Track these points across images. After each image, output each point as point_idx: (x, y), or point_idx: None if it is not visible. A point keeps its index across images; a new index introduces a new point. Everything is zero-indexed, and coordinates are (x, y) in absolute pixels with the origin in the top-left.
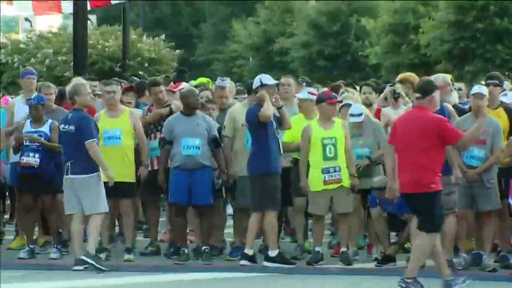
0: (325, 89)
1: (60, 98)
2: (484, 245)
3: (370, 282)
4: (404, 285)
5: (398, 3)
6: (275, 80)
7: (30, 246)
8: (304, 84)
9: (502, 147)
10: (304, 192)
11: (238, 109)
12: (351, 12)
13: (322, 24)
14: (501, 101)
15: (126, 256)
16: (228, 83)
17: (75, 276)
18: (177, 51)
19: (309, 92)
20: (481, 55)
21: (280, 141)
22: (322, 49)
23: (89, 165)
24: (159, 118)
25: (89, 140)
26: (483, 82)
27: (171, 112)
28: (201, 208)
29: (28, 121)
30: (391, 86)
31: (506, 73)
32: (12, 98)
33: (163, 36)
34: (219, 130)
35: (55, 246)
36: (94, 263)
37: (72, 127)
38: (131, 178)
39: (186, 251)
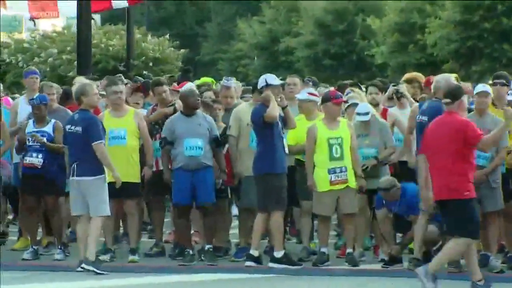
0: (332, 88)
1: (66, 98)
2: (490, 246)
3: (377, 283)
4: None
5: (404, 3)
6: (280, 79)
7: (33, 247)
8: (311, 83)
9: (507, 147)
10: (311, 190)
11: (244, 108)
12: (357, 11)
13: (328, 23)
14: (508, 101)
15: (131, 257)
16: (233, 83)
17: (79, 277)
18: (182, 50)
19: (308, 93)
20: (488, 54)
21: (285, 141)
22: (328, 48)
23: (96, 167)
24: (163, 117)
25: (96, 142)
26: (490, 82)
27: (175, 112)
28: (204, 208)
29: (31, 121)
30: (394, 86)
31: None
32: (12, 98)
33: (167, 36)
34: (225, 130)
35: (59, 247)
36: (94, 269)
37: (79, 128)
38: (136, 178)
39: (191, 252)
